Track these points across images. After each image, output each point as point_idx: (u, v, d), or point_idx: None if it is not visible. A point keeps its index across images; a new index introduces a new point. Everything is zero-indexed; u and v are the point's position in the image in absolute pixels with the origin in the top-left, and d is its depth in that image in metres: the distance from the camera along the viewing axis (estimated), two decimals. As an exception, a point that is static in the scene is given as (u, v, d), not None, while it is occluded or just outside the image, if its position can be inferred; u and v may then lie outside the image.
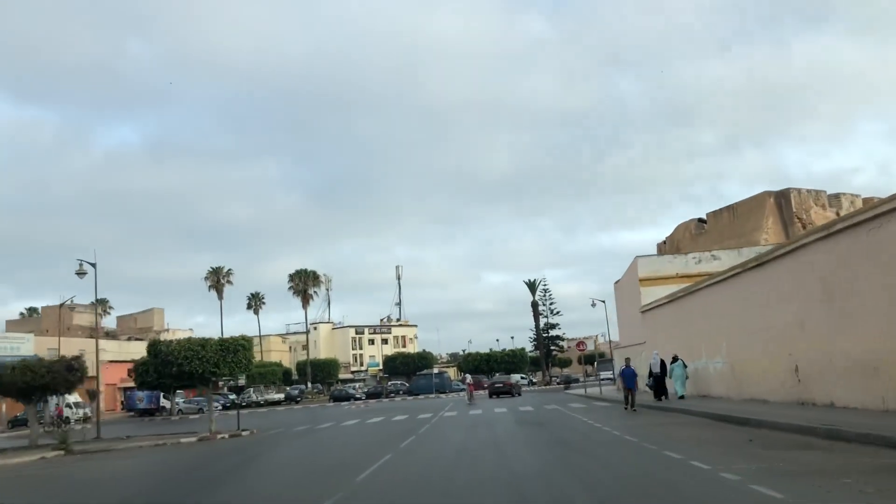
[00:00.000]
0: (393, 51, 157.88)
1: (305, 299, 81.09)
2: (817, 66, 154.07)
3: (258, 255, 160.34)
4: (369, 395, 67.70)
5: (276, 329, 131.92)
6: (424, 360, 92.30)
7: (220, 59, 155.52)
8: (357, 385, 74.56)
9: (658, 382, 26.40)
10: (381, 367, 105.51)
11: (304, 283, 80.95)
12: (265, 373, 76.39)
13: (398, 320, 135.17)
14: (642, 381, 26.85)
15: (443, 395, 60.18)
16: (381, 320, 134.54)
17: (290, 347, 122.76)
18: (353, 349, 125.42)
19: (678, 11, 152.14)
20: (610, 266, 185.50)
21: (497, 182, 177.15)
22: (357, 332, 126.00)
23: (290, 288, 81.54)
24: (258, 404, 67.40)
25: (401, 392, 73.55)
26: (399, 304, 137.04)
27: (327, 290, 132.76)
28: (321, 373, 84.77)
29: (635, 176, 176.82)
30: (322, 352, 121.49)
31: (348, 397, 65.00)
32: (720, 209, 43.34)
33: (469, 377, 50.78)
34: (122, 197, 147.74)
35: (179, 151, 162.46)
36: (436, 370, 73.54)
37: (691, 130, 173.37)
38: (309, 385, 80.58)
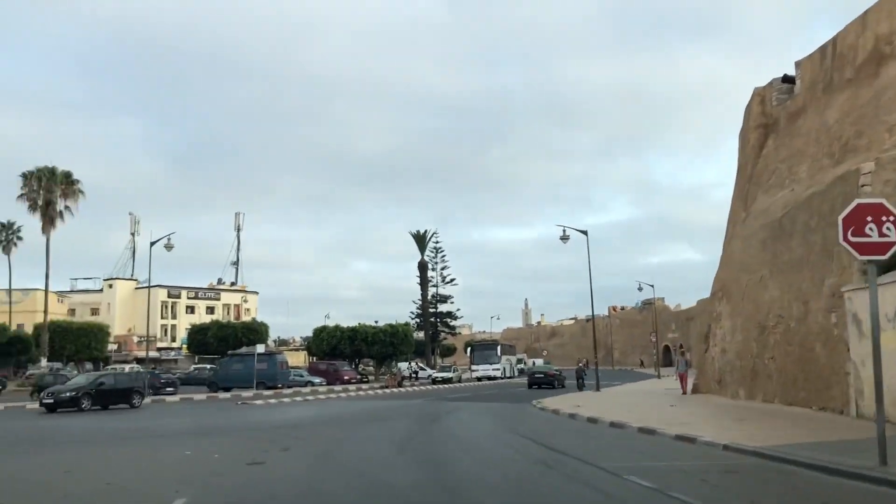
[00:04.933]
0: (274, 14, 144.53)
1: (48, 218, 47.36)
2: (696, 81, 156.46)
3: (108, 224, 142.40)
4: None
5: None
6: (254, 333, 60.94)
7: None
8: (118, 367, 42.58)
9: None
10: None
11: (45, 191, 47.21)
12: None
13: (233, 284, 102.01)
14: None
15: (263, 394, 30.31)
16: (210, 283, 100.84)
17: (73, 310, 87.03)
18: (162, 318, 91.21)
19: (568, 11, 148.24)
20: (481, 262, 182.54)
21: (373, 165, 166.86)
22: (171, 296, 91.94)
23: (21, 195, 47.52)
24: None
25: (206, 382, 44.41)
26: (236, 263, 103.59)
27: (132, 234, 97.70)
28: (74, 345, 51.38)
29: (510, 172, 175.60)
30: (118, 318, 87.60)
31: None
32: None
33: None
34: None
35: (22, 98, 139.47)
36: (261, 349, 42.99)
37: (569, 131, 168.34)
38: (43, 362, 47.32)
